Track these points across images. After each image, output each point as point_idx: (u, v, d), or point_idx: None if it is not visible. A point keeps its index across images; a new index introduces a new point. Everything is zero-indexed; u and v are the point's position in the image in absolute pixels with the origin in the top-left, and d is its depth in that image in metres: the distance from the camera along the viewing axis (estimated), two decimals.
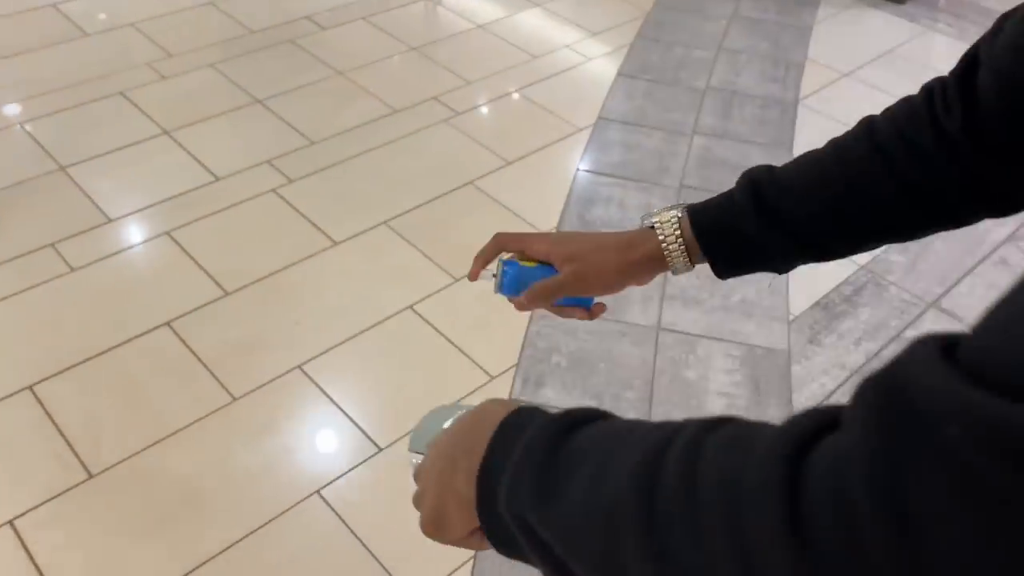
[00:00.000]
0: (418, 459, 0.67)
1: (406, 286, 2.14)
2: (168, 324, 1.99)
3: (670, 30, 3.29)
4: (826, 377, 1.99)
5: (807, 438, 0.37)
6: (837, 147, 0.77)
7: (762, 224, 0.77)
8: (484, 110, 2.80)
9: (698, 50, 3.17)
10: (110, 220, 2.26)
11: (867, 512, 0.32)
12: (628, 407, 1.88)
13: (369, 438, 1.78)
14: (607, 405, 1.87)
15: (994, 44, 0.65)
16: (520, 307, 0.86)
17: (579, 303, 0.86)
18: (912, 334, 2.11)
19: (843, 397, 1.91)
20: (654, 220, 0.82)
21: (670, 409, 1.89)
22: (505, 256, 0.86)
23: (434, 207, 2.39)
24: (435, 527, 0.60)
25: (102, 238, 2.20)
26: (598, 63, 3.10)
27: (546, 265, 0.84)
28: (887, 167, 0.72)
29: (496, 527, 0.54)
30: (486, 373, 1.94)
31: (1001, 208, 0.72)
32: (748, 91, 2.97)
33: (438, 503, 0.59)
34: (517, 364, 1.96)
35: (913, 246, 2.35)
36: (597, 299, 0.87)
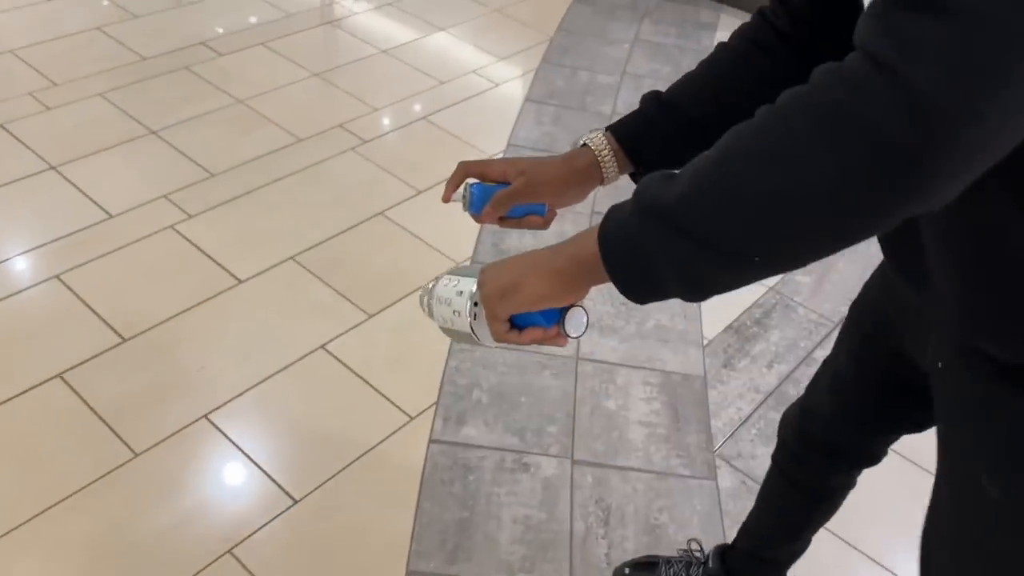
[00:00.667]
0: (464, 281, 0.83)
1: (317, 324, 2.07)
2: (60, 376, 1.86)
3: (574, 55, 3.32)
4: (742, 401, 2.02)
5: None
6: (710, 63, 1.00)
7: (664, 116, 0.97)
8: (392, 137, 2.75)
9: (603, 75, 3.20)
10: None
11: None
12: (552, 441, 1.86)
13: (283, 490, 1.70)
14: (530, 441, 1.84)
15: None
16: (485, 218, 0.98)
17: (532, 210, 0.98)
18: (822, 354, 2.17)
19: (760, 421, 1.94)
20: (584, 139, 0.99)
21: (591, 442, 1.87)
22: (471, 181, 1.00)
23: (343, 240, 2.32)
24: (505, 292, 0.76)
25: None
26: (505, 88, 3.09)
27: (504, 184, 0.98)
28: (749, 67, 0.97)
29: (616, 237, 0.68)
30: (404, 414, 1.88)
31: None
32: None
33: (522, 273, 0.76)
34: (436, 402, 1.91)
35: (816, 267, 2.42)
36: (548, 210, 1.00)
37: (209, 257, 2.20)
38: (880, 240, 0.97)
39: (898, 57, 0.53)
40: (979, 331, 0.82)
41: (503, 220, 1.00)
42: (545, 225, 0.99)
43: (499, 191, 0.96)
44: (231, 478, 1.72)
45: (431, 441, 1.83)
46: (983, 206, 0.73)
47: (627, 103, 3.05)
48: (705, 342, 2.17)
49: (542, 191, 0.97)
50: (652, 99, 0.99)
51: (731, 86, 0.97)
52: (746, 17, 1.01)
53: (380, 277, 2.18)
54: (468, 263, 0.89)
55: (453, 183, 1.00)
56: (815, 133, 0.56)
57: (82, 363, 1.89)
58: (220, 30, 3.16)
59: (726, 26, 3.61)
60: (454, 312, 0.84)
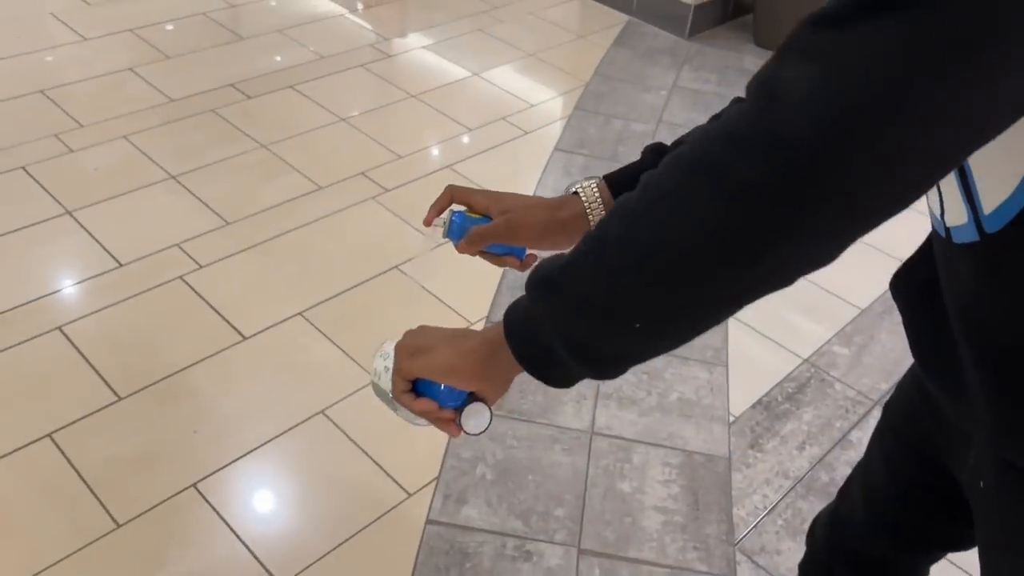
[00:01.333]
0: (377, 355, 0.82)
1: (319, 387, 1.97)
2: (50, 436, 1.79)
3: (609, 102, 3.21)
4: (768, 488, 1.87)
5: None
6: (720, 115, 0.94)
7: None
8: (414, 186, 2.67)
9: (637, 123, 3.09)
10: None
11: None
12: (558, 527, 1.73)
13: (267, 571, 1.60)
14: (535, 525, 1.72)
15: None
16: (462, 250, 0.96)
17: (511, 252, 0.97)
18: (858, 436, 2.01)
19: (787, 512, 1.78)
20: (576, 187, 0.95)
21: (601, 528, 1.74)
22: (456, 208, 0.97)
23: (355, 295, 2.24)
24: (415, 353, 0.74)
25: None
26: (535, 136, 3.00)
27: (488, 217, 0.96)
28: None
29: (516, 319, 0.66)
30: (402, 489, 1.77)
31: None
32: None
33: (434, 341, 0.74)
34: (437, 477, 1.80)
35: (856, 338, 2.26)
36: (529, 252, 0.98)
37: (215, 311, 2.13)
38: (908, 339, 0.89)
39: (776, 105, 0.51)
40: (1016, 446, 0.73)
41: (482, 253, 0.98)
42: (523, 269, 0.96)
43: (477, 227, 0.94)
44: (214, 556, 1.63)
45: (428, 521, 1.71)
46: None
47: None
48: (731, 419, 2.02)
49: (520, 235, 0.94)
50: (653, 151, 0.94)
51: None
52: None
53: (390, 336, 2.07)
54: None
55: (437, 207, 0.97)
56: (681, 184, 0.55)
57: (74, 422, 1.83)
58: (252, 71, 3.13)
59: None
60: (385, 368, 0.82)
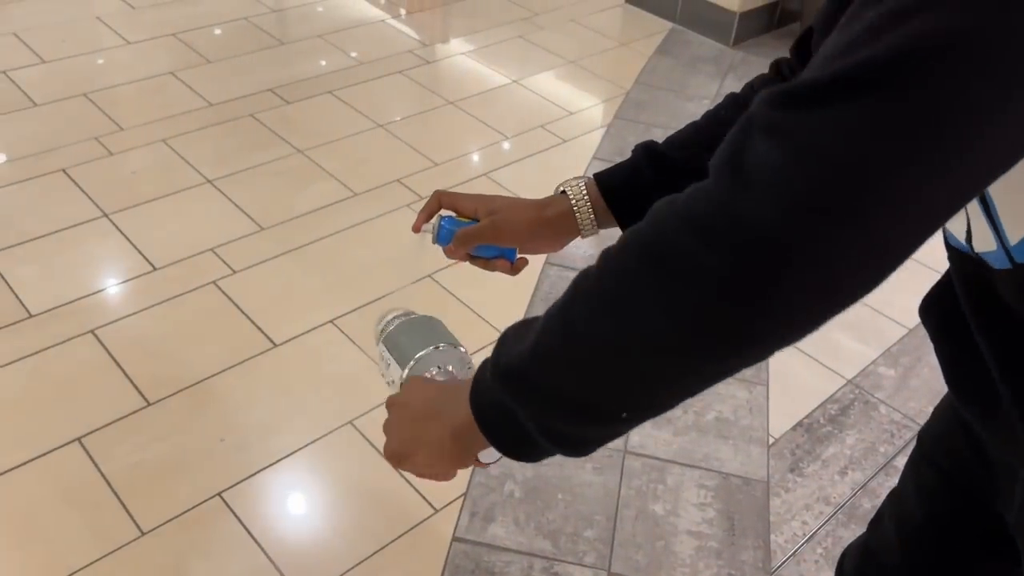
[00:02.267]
0: (393, 367, 0.85)
1: (348, 397, 1.95)
2: (79, 440, 1.79)
3: (650, 111, 3.16)
4: (808, 514, 1.79)
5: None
6: (714, 112, 0.94)
7: (654, 171, 0.91)
8: None
9: None
10: (30, 315, 2.07)
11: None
12: (587, 548, 1.68)
13: None
14: (564, 547, 1.67)
15: (819, 12, 0.85)
16: (450, 254, 0.95)
17: (501, 254, 0.95)
18: (903, 461, 1.92)
19: (827, 540, 1.71)
20: (564, 186, 0.93)
21: (632, 552, 1.68)
22: (444, 213, 0.96)
23: (387, 304, 2.21)
24: (400, 459, 0.73)
25: (18, 336, 2.01)
26: (574, 145, 2.95)
27: (476, 221, 0.94)
28: None
29: (484, 403, 0.63)
30: (429, 505, 1.73)
31: None
32: None
33: (408, 438, 0.72)
34: (465, 493, 1.76)
35: (902, 359, 2.18)
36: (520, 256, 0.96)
37: (247, 317, 2.12)
38: (941, 367, 0.87)
39: (735, 186, 0.49)
40: None
41: (472, 259, 0.96)
42: (514, 272, 0.96)
43: (464, 228, 0.94)
44: (237, 567, 1.60)
45: (454, 539, 1.67)
46: None
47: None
48: (771, 440, 1.95)
49: (507, 235, 0.93)
50: (642, 148, 0.94)
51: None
52: None
53: (386, 314, 2.05)
54: (402, 315, 0.91)
55: (425, 213, 0.96)
56: (642, 272, 0.52)
57: (103, 427, 1.82)
58: (292, 76, 3.13)
59: None
60: (387, 383, 0.87)
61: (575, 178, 0.94)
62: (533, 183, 2.73)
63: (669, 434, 1.93)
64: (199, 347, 2.04)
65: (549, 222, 0.93)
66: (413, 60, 3.34)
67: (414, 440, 0.72)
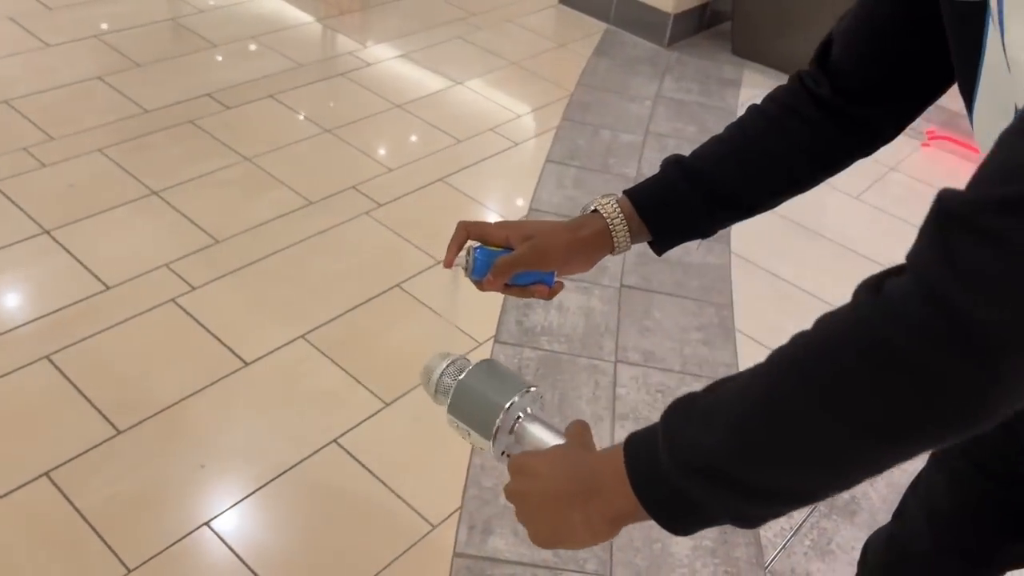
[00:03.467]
0: (477, 438, 0.80)
1: (330, 414, 1.90)
2: (47, 475, 1.69)
3: (596, 112, 3.19)
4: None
5: (876, 280, 0.55)
6: (740, 126, 0.96)
7: (690, 186, 0.93)
8: (408, 201, 2.60)
9: (625, 134, 3.07)
10: None
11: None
12: (588, 555, 1.69)
13: None
14: (565, 556, 1.67)
15: (841, 23, 0.90)
16: (487, 285, 0.92)
17: (539, 279, 0.94)
18: None
19: (812, 531, 1.76)
20: (595, 205, 0.95)
21: (631, 556, 1.70)
22: (473, 244, 0.94)
23: (357, 315, 2.16)
24: (554, 545, 0.71)
25: None
26: (525, 148, 2.95)
27: (508, 249, 0.93)
28: (781, 133, 0.93)
29: (661, 496, 0.63)
30: (426, 521, 1.71)
31: (871, 143, 0.94)
32: None
33: (560, 526, 0.69)
34: (461, 507, 1.74)
35: None
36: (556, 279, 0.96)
37: (213, 335, 2.04)
38: None
39: (955, 288, 0.50)
40: None
41: (507, 288, 0.95)
42: (551, 296, 0.96)
43: (502, 257, 0.92)
44: None
45: (455, 554, 1.65)
46: None
47: (651, 164, 2.91)
48: None
49: (549, 259, 0.93)
50: (674, 164, 0.95)
51: (762, 154, 0.94)
52: (771, 73, 1.00)
53: (397, 359, 2.01)
54: (449, 369, 0.84)
55: (455, 246, 0.94)
56: (865, 370, 0.53)
57: (72, 459, 1.72)
58: (228, 80, 3.02)
59: (751, 83, 3.49)
60: (478, 447, 0.82)
61: (603, 196, 0.95)
62: (492, 188, 2.73)
63: None
64: (165, 369, 1.95)
65: (585, 242, 0.94)
66: (354, 62, 3.28)
67: (567, 528, 0.69)
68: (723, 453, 0.59)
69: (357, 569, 1.61)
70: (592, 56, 3.59)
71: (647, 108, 3.26)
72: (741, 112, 0.97)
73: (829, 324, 0.57)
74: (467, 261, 0.94)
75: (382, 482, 1.77)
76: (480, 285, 0.94)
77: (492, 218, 2.59)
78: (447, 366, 0.84)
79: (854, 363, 0.53)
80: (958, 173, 3.06)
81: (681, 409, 0.64)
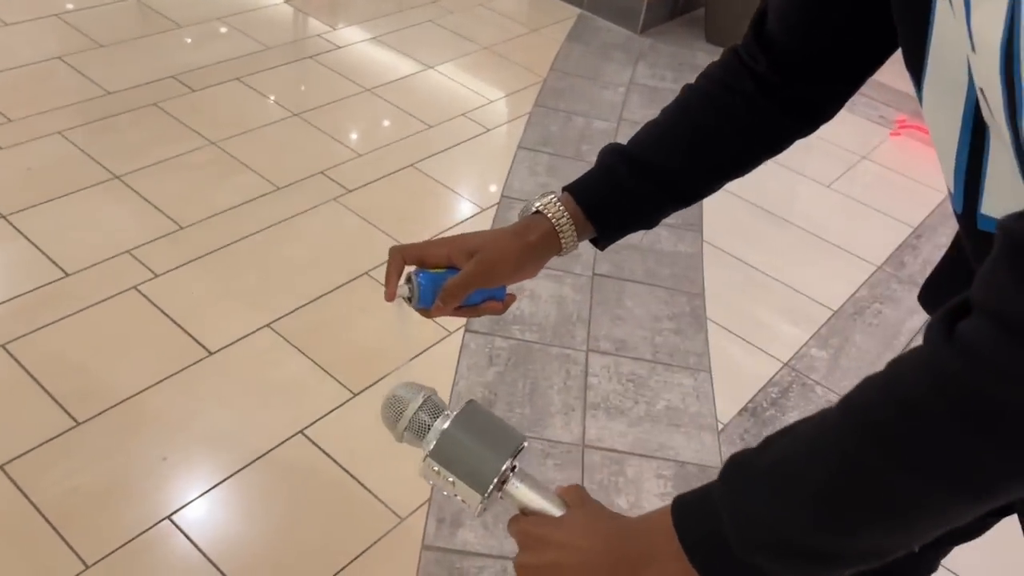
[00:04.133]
0: (463, 488, 0.72)
1: (296, 405, 1.86)
2: (2, 468, 1.64)
3: (569, 98, 3.16)
4: None
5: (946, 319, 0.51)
6: (678, 109, 0.91)
7: (636, 182, 0.88)
8: (377, 186, 2.56)
9: (598, 120, 3.04)
10: None
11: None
12: None
13: None
14: None
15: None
16: (436, 312, 0.87)
17: (490, 296, 0.88)
18: None
19: None
20: (537, 205, 0.89)
21: None
22: (413, 269, 0.87)
23: (325, 303, 2.12)
24: None
25: None
26: (497, 134, 2.92)
27: (452, 268, 0.86)
28: (723, 116, 0.89)
29: (727, 570, 0.58)
30: (394, 514, 1.68)
31: (812, 121, 0.91)
32: None
33: None
34: (429, 499, 1.72)
35: (832, 340, 2.27)
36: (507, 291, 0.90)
37: (176, 324, 1.99)
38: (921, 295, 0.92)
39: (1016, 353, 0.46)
40: None
41: (457, 310, 0.88)
42: (503, 310, 0.91)
43: (450, 280, 0.85)
44: None
45: (423, 547, 1.63)
46: None
47: None
48: (720, 426, 2.00)
49: (499, 273, 0.87)
50: (616, 154, 0.90)
51: (704, 135, 0.89)
52: None
53: (365, 348, 1.98)
54: (422, 406, 0.75)
55: (393, 275, 0.87)
56: (958, 431, 0.49)
57: (28, 451, 1.67)
58: (193, 62, 2.95)
59: None
60: (457, 498, 0.74)
61: (543, 195, 0.89)
62: (464, 174, 2.69)
63: (624, 425, 1.95)
64: (127, 359, 1.90)
65: (534, 247, 0.88)
66: (322, 45, 3.22)
67: None
68: (798, 526, 0.55)
69: (324, 563, 1.59)
70: (565, 42, 3.55)
71: (620, 95, 3.24)
72: None
73: (906, 373, 0.52)
74: (410, 290, 0.87)
75: (349, 474, 1.74)
76: (427, 313, 0.88)
77: (465, 207, 2.56)
78: (423, 402, 0.75)
79: (946, 421, 0.49)
80: (927, 162, 3.07)
81: (741, 475, 0.59)
